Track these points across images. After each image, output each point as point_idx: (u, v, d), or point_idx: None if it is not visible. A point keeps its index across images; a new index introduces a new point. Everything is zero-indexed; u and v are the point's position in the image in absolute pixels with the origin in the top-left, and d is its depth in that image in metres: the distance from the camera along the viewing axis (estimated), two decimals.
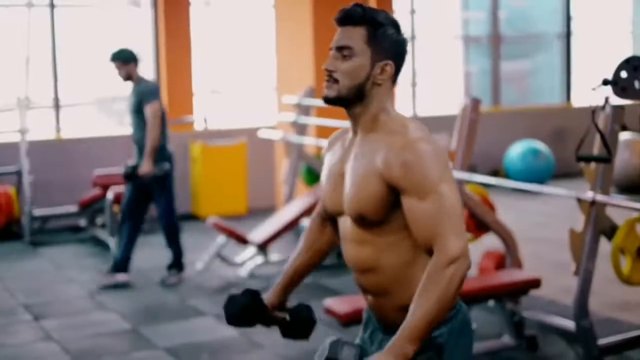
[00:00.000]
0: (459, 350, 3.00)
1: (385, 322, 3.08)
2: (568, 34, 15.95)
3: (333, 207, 3.09)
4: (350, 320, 5.70)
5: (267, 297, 3.29)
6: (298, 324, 3.37)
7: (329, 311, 5.90)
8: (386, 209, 2.90)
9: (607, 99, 15.00)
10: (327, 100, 2.98)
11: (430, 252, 2.84)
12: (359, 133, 3.00)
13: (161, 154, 8.51)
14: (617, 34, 16.88)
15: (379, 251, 2.96)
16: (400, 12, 14.35)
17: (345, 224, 3.04)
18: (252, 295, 3.21)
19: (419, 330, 2.77)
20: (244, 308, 3.19)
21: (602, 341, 5.82)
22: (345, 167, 3.02)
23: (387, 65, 2.97)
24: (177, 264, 8.71)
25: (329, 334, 6.78)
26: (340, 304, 5.87)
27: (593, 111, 4.99)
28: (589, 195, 5.65)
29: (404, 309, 2.94)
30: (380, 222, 2.93)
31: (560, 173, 14.12)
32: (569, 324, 5.88)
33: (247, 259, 9.01)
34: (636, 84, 4.64)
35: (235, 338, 6.92)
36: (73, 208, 11.00)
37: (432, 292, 2.77)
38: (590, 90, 5.04)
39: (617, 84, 4.68)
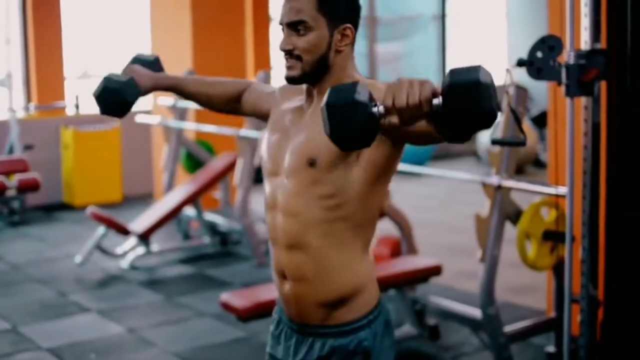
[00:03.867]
0: (384, 352, 2.79)
1: (302, 319, 2.81)
2: (443, 16, 15.93)
3: (270, 166, 2.81)
4: (250, 315, 5.41)
5: (141, 78, 3.10)
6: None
7: (225, 306, 5.58)
8: (341, 156, 2.61)
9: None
10: (292, 80, 2.71)
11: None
12: (316, 97, 2.75)
13: None
14: (492, 16, 16.93)
15: (310, 225, 2.69)
16: None
17: (278, 188, 2.76)
18: (128, 88, 3.05)
19: None
20: (122, 101, 3.05)
21: (508, 328, 5.69)
22: (291, 130, 2.77)
23: (347, 29, 2.71)
24: None
25: (226, 330, 6.53)
26: (238, 298, 5.54)
27: (506, 92, 4.80)
28: (494, 179, 5.48)
29: (326, 306, 2.73)
30: (325, 179, 2.64)
31: (438, 154, 14.10)
32: (473, 312, 5.72)
33: (128, 250, 8.63)
34: (551, 64, 4.46)
35: (123, 335, 6.56)
36: None
37: None
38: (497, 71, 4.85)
39: (533, 65, 4.49)
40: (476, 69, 2.08)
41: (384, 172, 2.67)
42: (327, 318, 2.75)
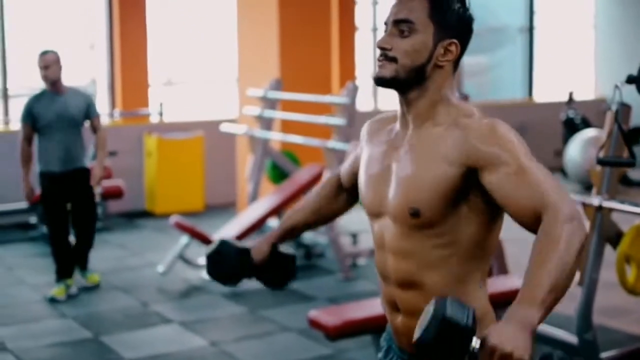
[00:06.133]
0: None
1: (415, 353, 2.65)
2: (531, 28, 15.67)
3: (372, 207, 2.65)
4: (339, 334, 5.27)
5: (257, 247, 2.99)
6: (276, 271, 3.06)
7: (314, 323, 5.43)
8: (447, 203, 2.46)
9: (571, 95, 14.52)
10: (381, 81, 2.54)
11: (534, 225, 2.36)
12: (412, 123, 2.57)
13: None
14: (580, 28, 16.61)
15: (424, 265, 2.54)
16: (362, 2, 13.98)
17: (385, 229, 2.61)
18: (241, 255, 2.96)
19: (543, 292, 2.18)
20: (233, 270, 2.98)
21: (604, 354, 5.47)
22: (392, 163, 2.59)
23: (452, 44, 2.54)
24: None
25: (312, 347, 6.38)
26: (327, 316, 5.40)
27: (616, 111, 4.60)
28: (595, 200, 5.27)
29: None
30: (432, 224, 2.49)
31: None
32: (568, 336, 5.51)
33: None
34: None
35: (206, 348, 6.45)
36: (23, 204, 10.38)
37: (551, 251, 2.23)
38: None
39: None
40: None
41: (500, 215, 2.53)
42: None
